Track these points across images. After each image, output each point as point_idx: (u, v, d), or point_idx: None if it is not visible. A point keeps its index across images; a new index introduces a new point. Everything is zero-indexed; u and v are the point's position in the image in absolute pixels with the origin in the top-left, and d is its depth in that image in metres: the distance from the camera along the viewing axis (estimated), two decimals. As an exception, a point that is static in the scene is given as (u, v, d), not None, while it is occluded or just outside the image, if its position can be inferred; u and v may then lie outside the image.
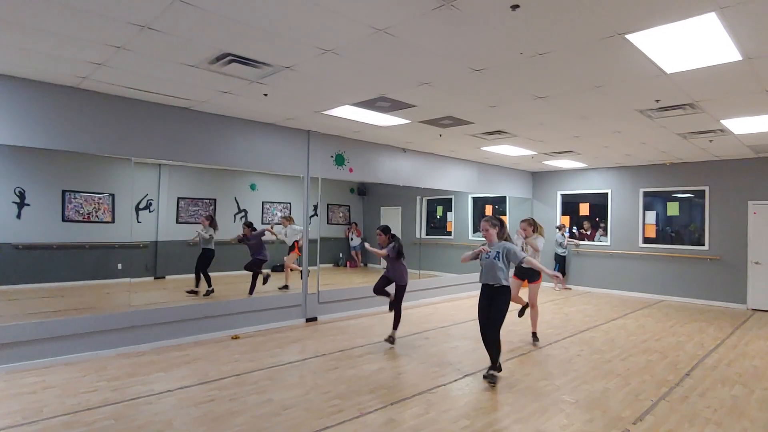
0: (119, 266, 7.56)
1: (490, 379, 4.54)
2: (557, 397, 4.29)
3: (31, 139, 4.91)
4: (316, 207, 7.85)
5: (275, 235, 8.38)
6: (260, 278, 7.75)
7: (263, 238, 8.03)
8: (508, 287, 4.61)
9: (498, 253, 4.58)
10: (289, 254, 8.49)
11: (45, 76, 4.79)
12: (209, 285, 7.68)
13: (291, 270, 8.37)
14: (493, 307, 4.59)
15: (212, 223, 7.98)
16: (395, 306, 6.02)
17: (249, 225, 8.15)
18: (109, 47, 3.94)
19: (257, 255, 7.85)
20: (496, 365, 4.61)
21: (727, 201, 9.36)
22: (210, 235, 7.86)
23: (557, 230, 11.40)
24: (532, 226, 6.36)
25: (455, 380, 4.71)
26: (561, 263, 11.29)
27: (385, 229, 6.09)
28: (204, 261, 7.80)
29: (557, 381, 4.74)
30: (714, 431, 3.64)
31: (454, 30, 3.49)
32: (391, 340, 5.97)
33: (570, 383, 4.67)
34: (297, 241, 8.47)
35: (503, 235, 4.73)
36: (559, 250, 11.25)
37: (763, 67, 4.12)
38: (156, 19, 3.39)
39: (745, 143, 7.63)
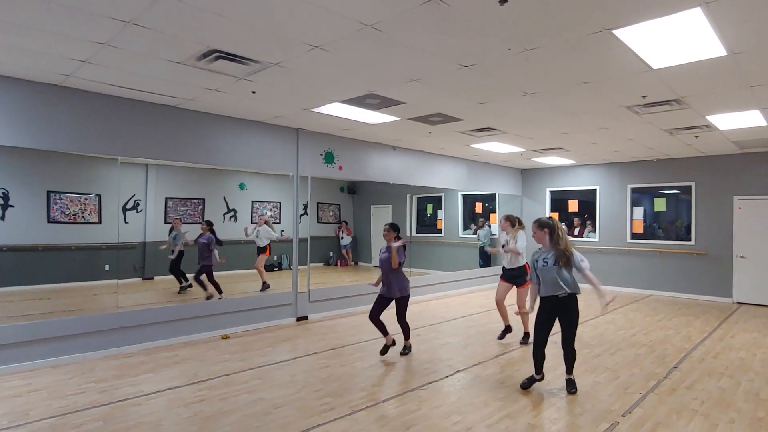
0: (106, 267, 7.46)
1: (572, 387, 4.29)
2: (547, 392, 4.31)
3: (13, 139, 4.82)
4: (306, 206, 7.81)
5: (246, 234, 8.23)
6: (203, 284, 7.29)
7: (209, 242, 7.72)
8: (575, 296, 4.15)
9: (547, 259, 4.15)
10: (259, 256, 8.34)
11: (27, 73, 4.71)
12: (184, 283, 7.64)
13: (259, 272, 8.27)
14: (563, 320, 4.16)
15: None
16: (402, 320, 5.38)
17: (209, 223, 7.79)
18: (93, 44, 3.87)
19: (204, 261, 7.36)
20: (571, 372, 4.32)
21: (713, 196, 9.48)
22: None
23: None
24: (509, 221, 6.25)
25: (447, 376, 4.71)
26: None
27: (394, 227, 5.36)
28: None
29: (548, 375, 4.75)
30: (702, 423, 3.69)
31: (443, 25, 3.48)
32: (406, 350, 5.48)
33: (560, 378, 4.69)
34: (269, 244, 8.41)
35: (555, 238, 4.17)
36: None
37: (747, 62, 4.18)
38: (141, 15, 3.34)
39: (730, 139, 7.73)
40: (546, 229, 4.19)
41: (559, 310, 4.16)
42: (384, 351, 5.41)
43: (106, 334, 5.36)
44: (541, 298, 4.22)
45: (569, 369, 4.33)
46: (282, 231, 8.73)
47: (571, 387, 4.31)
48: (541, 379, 4.40)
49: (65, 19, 3.42)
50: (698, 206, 9.67)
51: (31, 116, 4.92)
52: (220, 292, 7.32)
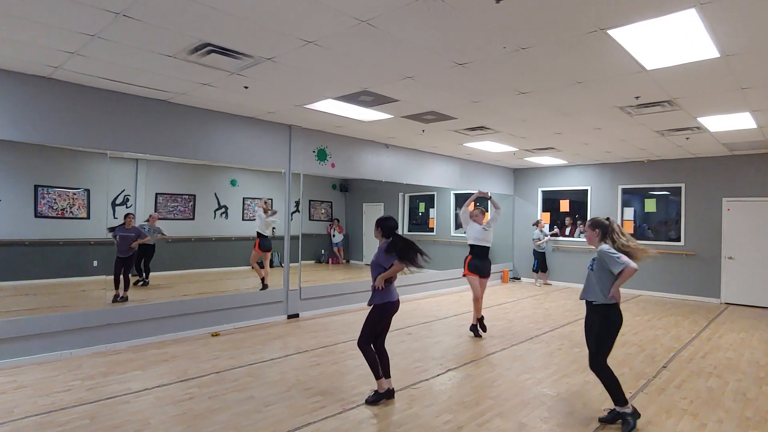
0: (95, 263, 7.38)
1: (621, 424, 3.58)
2: (539, 391, 4.32)
3: (0, 132, 4.72)
4: (297, 203, 7.77)
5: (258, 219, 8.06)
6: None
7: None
8: (606, 306, 3.58)
9: (594, 260, 3.67)
10: (264, 251, 7.96)
11: (15, 65, 4.62)
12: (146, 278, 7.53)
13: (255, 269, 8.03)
14: (587, 329, 3.73)
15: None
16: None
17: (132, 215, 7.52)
18: (82, 35, 3.80)
19: (126, 254, 7.04)
20: (618, 401, 3.59)
21: (703, 198, 9.57)
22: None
23: (534, 226, 11.50)
24: (484, 215, 6.43)
25: (438, 375, 4.71)
26: (539, 259, 11.39)
27: (380, 222, 4.18)
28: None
29: (538, 375, 4.78)
30: (691, 422, 3.71)
31: (438, 22, 3.46)
32: (390, 393, 4.08)
33: (551, 377, 4.72)
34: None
35: (608, 238, 3.64)
36: (536, 247, 11.36)
37: (740, 64, 4.20)
38: (132, 6, 3.28)
39: (720, 141, 7.80)
40: (597, 228, 3.70)
41: (589, 318, 3.74)
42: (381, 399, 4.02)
43: (94, 330, 5.28)
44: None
45: (614, 399, 3.64)
46: (273, 228, 8.66)
47: (624, 426, 3.57)
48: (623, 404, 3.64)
49: (54, 10, 3.35)
50: (688, 207, 9.76)
51: (18, 109, 4.83)
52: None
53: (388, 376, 4.07)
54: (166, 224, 8.54)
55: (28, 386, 4.20)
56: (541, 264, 11.39)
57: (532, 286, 11.30)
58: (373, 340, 4.03)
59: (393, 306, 4.04)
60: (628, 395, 4.22)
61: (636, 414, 3.59)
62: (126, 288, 6.89)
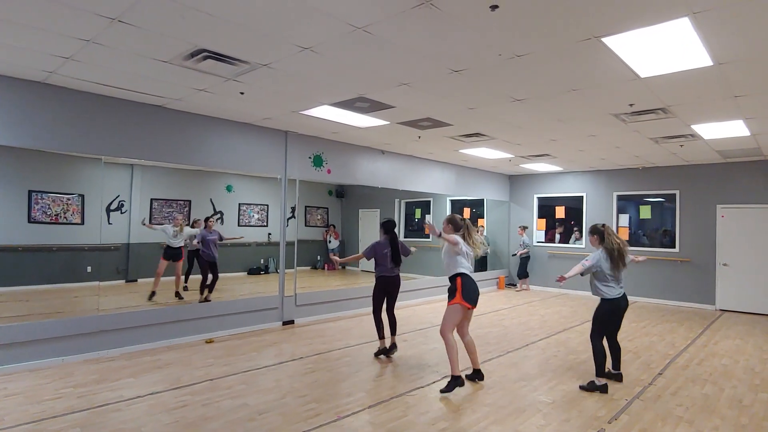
0: (88, 269, 7.31)
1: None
2: (534, 398, 4.31)
3: (-6, 136, 4.70)
4: (293, 209, 7.75)
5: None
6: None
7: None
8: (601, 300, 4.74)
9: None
10: (179, 261, 7.76)
11: (9, 70, 4.60)
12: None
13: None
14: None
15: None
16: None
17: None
18: (77, 40, 3.80)
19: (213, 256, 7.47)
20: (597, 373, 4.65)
21: (697, 205, 9.62)
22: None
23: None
24: (450, 224, 4.88)
25: (434, 382, 4.68)
26: (520, 264, 11.58)
27: (382, 224, 5.62)
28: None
29: (534, 382, 4.76)
30: (687, 429, 3.70)
31: (434, 29, 3.48)
32: (393, 347, 5.58)
33: (547, 384, 4.70)
34: (182, 247, 7.82)
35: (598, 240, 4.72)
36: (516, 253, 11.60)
37: (733, 72, 4.24)
38: (127, 12, 3.28)
39: (714, 148, 7.85)
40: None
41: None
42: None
43: (87, 337, 5.23)
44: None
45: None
46: (269, 234, 8.61)
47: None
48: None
49: (49, 14, 3.34)
50: (682, 214, 9.80)
51: (12, 114, 4.81)
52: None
53: (393, 334, 5.56)
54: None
55: (19, 394, 4.14)
56: (521, 270, 11.62)
57: (529, 292, 11.31)
58: (379, 309, 5.51)
59: (385, 279, 5.47)
60: (624, 402, 4.23)
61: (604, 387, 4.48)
62: (211, 290, 7.26)
